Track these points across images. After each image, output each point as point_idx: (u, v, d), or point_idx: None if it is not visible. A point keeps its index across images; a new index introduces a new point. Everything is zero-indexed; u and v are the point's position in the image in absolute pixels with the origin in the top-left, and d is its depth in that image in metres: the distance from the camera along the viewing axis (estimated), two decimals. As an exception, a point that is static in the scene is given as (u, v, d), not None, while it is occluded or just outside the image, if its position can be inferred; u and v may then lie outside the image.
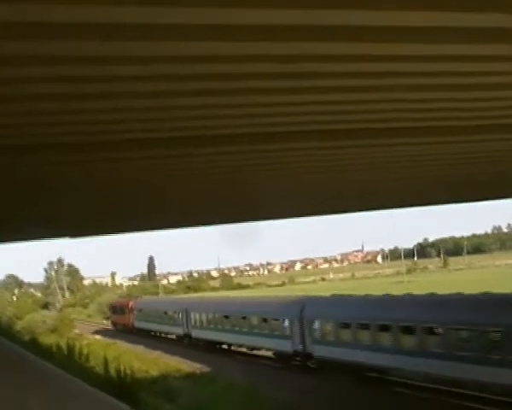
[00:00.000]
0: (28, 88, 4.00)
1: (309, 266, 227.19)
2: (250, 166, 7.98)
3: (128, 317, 57.02)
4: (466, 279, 74.44)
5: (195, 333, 43.35)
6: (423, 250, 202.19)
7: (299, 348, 31.52)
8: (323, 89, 4.59)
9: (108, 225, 17.05)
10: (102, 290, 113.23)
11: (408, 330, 24.96)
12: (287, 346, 32.49)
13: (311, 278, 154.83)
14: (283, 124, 5.82)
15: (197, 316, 43.43)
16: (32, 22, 2.93)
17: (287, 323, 32.74)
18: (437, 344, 23.70)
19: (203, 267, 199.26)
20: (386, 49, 3.75)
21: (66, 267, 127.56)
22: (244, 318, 37.35)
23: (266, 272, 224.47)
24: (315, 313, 30.83)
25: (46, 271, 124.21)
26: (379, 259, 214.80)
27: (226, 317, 39.64)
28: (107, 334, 59.52)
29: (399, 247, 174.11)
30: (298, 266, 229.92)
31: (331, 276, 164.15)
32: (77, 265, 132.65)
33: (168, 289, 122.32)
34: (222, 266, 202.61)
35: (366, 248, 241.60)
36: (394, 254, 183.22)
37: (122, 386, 23.23)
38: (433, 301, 26.04)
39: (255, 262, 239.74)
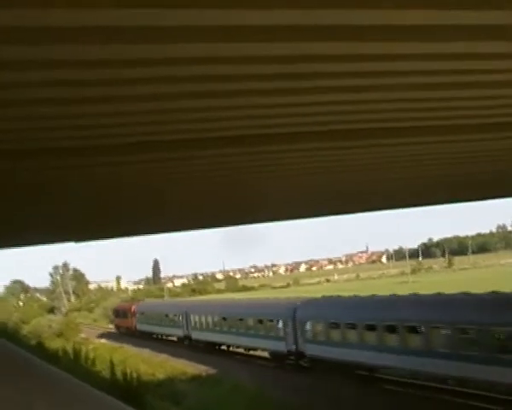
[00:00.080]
0: (28, 92, 3.98)
1: (314, 268, 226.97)
2: (251, 167, 7.97)
3: (131, 320, 58.37)
4: (471, 279, 74.29)
5: (195, 335, 44.85)
6: (428, 250, 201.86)
7: (293, 347, 32.91)
8: (324, 89, 4.57)
9: (110, 230, 17.06)
10: (108, 294, 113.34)
11: (392, 329, 26.17)
12: (281, 346, 33.92)
13: (315, 280, 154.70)
14: (284, 125, 5.81)
15: (197, 318, 44.95)
16: (31, 27, 2.93)
17: (280, 324, 34.10)
18: (419, 343, 24.93)
19: (208, 270, 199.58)
20: (385, 49, 3.74)
21: (71, 272, 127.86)
22: (241, 319, 38.67)
23: (271, 273, 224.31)
24: (306, 314, 32.26)
25: (52, 275, 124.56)
26: (384, 259, 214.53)
27: (224, 319, 40.99)
28: (113, 338, 59.71)
29: (404, 247, 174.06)
30: (302, 268, 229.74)
31: (336, 277, 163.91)
32: (82, 269, 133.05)
33: (173, 293, 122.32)
34: (227, 269, 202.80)
35: (371, 249, 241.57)
36: (399, 255, 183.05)
37: (128, 389, 23.28)
38: (417, 301, 27.44)
39: (260, 264, 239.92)
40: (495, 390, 22.27)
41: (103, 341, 58.72)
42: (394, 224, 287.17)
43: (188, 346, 45.37)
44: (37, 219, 11.59)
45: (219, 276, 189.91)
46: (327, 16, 3.18)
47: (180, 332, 47.43)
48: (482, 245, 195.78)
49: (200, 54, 3.51)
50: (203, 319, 43.96)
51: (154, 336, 53.45)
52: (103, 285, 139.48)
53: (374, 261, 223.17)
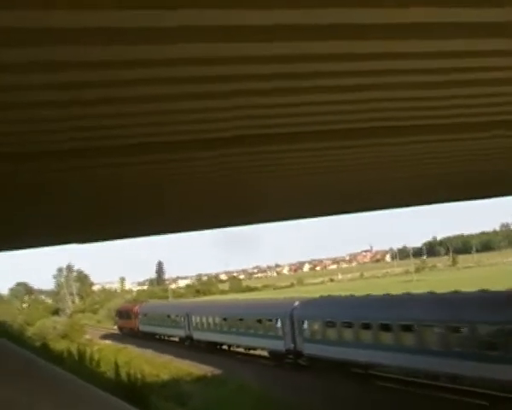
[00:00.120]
0: (29, 95, 3.98)
1: (317, 267, 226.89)
2: (252, 167, 7.97)
3: (134, 321, 59.29)
4: (475, 277, 74.19)
5: (196, 335, 45.89)
6: (432, 249, 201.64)
7: (291, 346, 33.77)
8: (324, 88, 4.57)
9: (112, 231, 17.06)
10: (112, 296, 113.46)
11: (385, 328, 27.04)
12: (279, 345, 34.76)
13: (319, 279, 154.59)
14: (284, 125, 5.80)
15: (198, 319, 45.95)
16: (32, 28, 2.92)
17: (279, 323, 34.85)
18: (413, 341, 25.62)
19: (211, 271, 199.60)
20: (385, 47, 3.74)
21: (75, 273, 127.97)
22: (241, 320, 39.48)
23: (275, 273, 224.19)
24: (304, 314, 33.14)
25: (56, 277, 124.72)
26: (388, 258, 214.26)
27: (224, 319, 41.86)
28: (117, 339, 59.96)
29: (408, 246, 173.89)
30: (306, 268, 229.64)
31: (340, 276, 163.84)
32: (86, 271, 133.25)
33: (177, 294, 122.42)
34: (230, 269, 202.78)
35: (375, 248, 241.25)
36: (403, 254, 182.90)
37: (133, 390, 23.28)
38: (409, 300, 28.24)
39: (263, 264, 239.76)
40: (486, 387, 22.89)
41: (107, 342, 58.86)
42: (398, 223, 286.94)
43: (192, 347, 45.74)
44: (38, 221, 11.58)
45: (223, 277, 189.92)
46: (327, 15, 3.18)
47: (182, 333, 48.38)
48: (486, 244, 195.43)
49: (199, 54, 3.51)
50: (204, 320, 44.94)
51: (157, 337, 54.20)
52: (107, 287, 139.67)
53: (378, 260, 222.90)
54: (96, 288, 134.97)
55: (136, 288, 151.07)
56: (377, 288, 49.55)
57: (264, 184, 9.92)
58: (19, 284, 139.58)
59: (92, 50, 3.27)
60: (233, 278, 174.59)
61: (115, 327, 68.97)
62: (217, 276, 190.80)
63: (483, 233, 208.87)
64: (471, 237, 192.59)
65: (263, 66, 3.88)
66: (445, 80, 4.62)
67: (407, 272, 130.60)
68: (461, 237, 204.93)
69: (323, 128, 6.03)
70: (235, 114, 5.10)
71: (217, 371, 35.09)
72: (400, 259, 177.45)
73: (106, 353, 42.60)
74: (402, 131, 6.40)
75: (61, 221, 12.10)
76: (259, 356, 38.37)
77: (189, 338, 47.00)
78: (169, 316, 51.78)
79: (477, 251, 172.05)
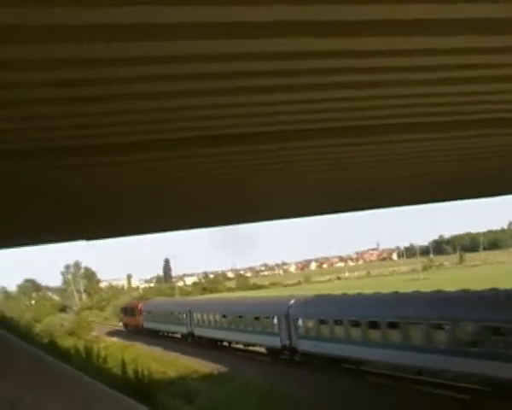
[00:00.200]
0: (29, 92, 3.98)
1: (324, 265, 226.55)
2: (255, 165, 7.97)
3: (138, 318, 60.47)
4: (482, 275, 73.89)
5: (198, 332, 47.32)
6: (439, 247, 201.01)
7: (287, 343, 34.85)
8: (327, 86, 4.56)
9: (113, 229, 17.06)
10: (119, 293, 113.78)
11: (374, 325, 28.22)
12: (276, 342, 35.92)
13: (326, 277, 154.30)
14: (289, 122, 5.80)
15: (199, 316, 47.30)
16: (32, 26, 2.92)
17: (275, 320, 35.96)
18: (399, 338, 26.72)
19: (218, 268, 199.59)
20: (388, 44, 3.73)
21: (82, 270, 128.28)
22: (240, 317, 40.66)
23: (281, 271, 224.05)
24: (299, 311, 34.30)
25: (63, 274, 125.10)
26: (394, 256, 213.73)
27: (224, 316, 43.16)
28: (124, 336, 60.24)
29: (415, 244, 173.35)
30: (313, 266, 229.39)
31: (347, 274, 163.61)
32: (93, 268, 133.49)
33: (184, 291, 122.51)
34: (237, 267, 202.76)
35: (381, 246, 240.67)
36: (410, 252, 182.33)
37: (140, 387, 23.29)
38: (397, 299, 29.50)
39: (270, 262, 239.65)
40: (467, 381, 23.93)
41: (114, 339, 59.02)
42: (405, 221, 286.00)
43: (198, 345, 46.11)
44: (38, 219, 11.54)
45: (230, 274, 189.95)
46: (328, 12, 3.17)
47: (184, 329, 49.69)
48: (494, 242, 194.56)
49: (199, 51, 3.51)
50: (205, 317, 46.26)
51: (161, 333, 55.24)
52: (114, 284, 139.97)
53: (384, 259, 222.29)
54: (103, 285, 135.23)
55: (142, 285, 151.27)
56: (384, 286, 49.51)
57: (267, 182, 9.90)
58: (27, 281, 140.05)
59: (92, 48, 3.27)
60: (240, 276, 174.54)
61: (122, 324, 69.50)
62: (223, 273, 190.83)
63: (490, 231, 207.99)
64: (479, 235, 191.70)
65: (264, 63, 3.88)
66: (448, 77, 4.61)
67: (414, 271, 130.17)
68: (468, 235, 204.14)
69: (327, 126, 6.02)
70: (236, 111, 5.09)
71: (223, 369, 35.27)
72: (407, 257, 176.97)
73: (113, 350, 42.66)
74: (405, 129, 6.39)
75: (62, 219, 12.10)
76: (258, 353, 39.19)
77: (191, 335, 48.32)
78: (172, 313, 53.02)
79: (484, 249, 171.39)
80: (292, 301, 35.70)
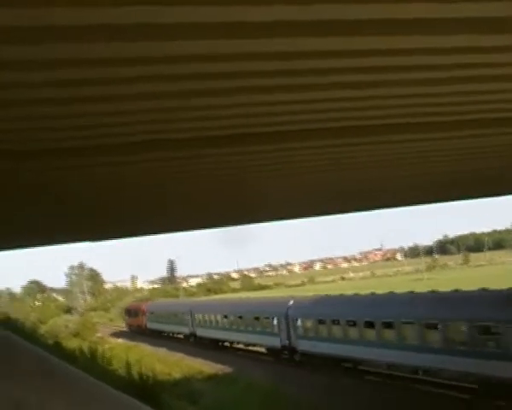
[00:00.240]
0: (29, 92, 3.98)
1: (329, 266, 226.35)
2: (256, 166, 7.96)
3: (141, 319, 61.57)
4: (486, 276, 73.72)
5: (199, 332, 48.30)
6: (443, 247, 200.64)
7: (286, 343, 35.44)
8: (328, 85, 4.56)
9: (115, 230, 17.06)
10: (123, 294, 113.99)
11: (369, 325, 28.81)
12: (275, 342, 36.57)
13: (330, 278, 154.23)
14: (289, 122, 5.79)
15: (201, 317, 48.21)
16: (32, 26, 2.93)
17: (275, 321, 36.53)
18: (395, 336, 27.23)
19: (222, 269, 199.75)
20: (388, 43, 3.73)
21: (87, 272, 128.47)
22: (240, 317, 41.38)
23: (286, 272, 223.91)
24: (298, 312, 35.00)
25: (68, 275, 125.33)
26: (399, 257, 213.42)
27: (225, 316, 43.90)
28: (128, 337, 60.39)
29: (419, 244, 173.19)
30: (317, 266, 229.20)
31: (351, 275, 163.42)
32: (98, 269, 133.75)
33: (189, 292, 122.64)
34: (241, 268, 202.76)
35: (386, 247, 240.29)
36: (414, 252, 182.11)
37: (145, 388, 23.32)
38: (392, 300, 30.11)
39: (275, 262, 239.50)
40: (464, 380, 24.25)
41: (119, 340, 59.19)
42: (409, 221, 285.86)
43: (203, 345, 46.48)
44: (38, 220, 11.52)
45: (234, 275, 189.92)
46: (330, 11, 3.19)
47: (186, 330, 50.57)
48: (498, 242, 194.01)
49: (200, 51, 3.51)
50: (206, 317, 47.10)
51: (165, 334, 55.95)
52: (119, 285, 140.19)
53: (389, 259, 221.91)
54: (107, 286, 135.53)
55: (147, 286, 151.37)
56: (388, 286, 49.48)
57: (267, 183, 9.90)
58: (31, 282, 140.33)
59: (92, 48, 3.27)
60: (244, 277, 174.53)
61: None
62: (228, 274, 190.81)
63: (495, 231, 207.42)
64: (483, 235, 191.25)
65: (264, 63, 3.87)
66: (448, 76, 4.61)
67: (418, 271, 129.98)
68: (473, 235, 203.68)
69: (327, 126, 6.01)
70: (236, 111, 5.08)
71: (227, 369, 35.36)
72: (411, 257, 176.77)
73: (117, 351, 42.72)
74: (405, 129, 6.38)
75: (64, 220, 12.11)
76: (260, 353, 39.70)
77: (193, 335, 49.11)
78: (174, 314, 53.78)
79: (489, 249, 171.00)
80: (291, 302, 36.29)
